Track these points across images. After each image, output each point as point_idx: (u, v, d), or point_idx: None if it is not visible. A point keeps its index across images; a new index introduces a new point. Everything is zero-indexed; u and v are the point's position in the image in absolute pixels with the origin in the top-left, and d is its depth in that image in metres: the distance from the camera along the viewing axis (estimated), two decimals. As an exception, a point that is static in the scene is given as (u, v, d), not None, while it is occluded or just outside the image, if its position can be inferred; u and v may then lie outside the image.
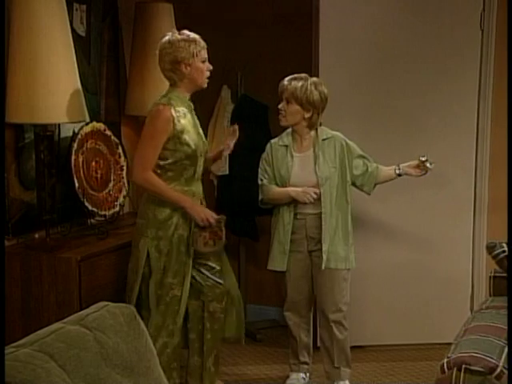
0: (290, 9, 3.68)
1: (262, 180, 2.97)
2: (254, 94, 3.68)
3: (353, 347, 3.22)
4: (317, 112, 2.86)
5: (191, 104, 2.72)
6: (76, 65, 2.73)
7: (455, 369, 1.84)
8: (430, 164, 2.79)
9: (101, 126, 3.23)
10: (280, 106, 2.88)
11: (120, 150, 3.35)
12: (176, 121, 2.60)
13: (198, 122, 2.77)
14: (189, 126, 2.66)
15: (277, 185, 2.92)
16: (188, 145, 2.64)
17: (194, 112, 2.75)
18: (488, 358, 1.85)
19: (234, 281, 2.89)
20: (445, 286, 3.51)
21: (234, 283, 2.89)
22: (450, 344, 2.07)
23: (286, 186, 2.88)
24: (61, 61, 2.65)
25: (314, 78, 2.89)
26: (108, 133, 3.27)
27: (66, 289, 2.72)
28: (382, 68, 3.38)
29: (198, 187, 2.76)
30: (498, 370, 1.82)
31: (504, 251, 2.30)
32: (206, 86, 2.70)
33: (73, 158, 3.03)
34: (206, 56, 2.66)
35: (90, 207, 3.09)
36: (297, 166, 2.88)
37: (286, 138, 2.94)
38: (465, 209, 3.49)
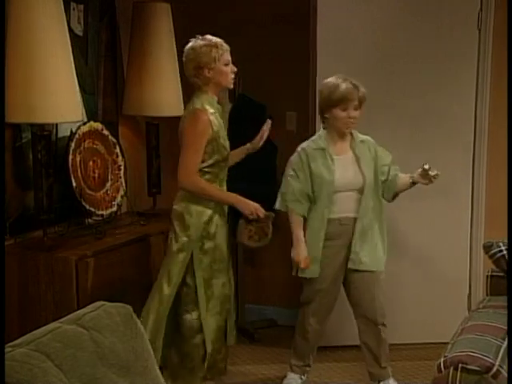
0: (288, 8, 3.68)
1: (288, 187, 2.88)
2: (251, 93, 3.68)
3: (351, 346, 3.23)
4: None
5: (219, 107, 2.78)
6: (73, 64, 2.73)
7: (452, 368, 1.85)
8: (433, 172, 2.70)
9: (98, 125, 3.23)
10: (354, 114, 2.79)
11: (117, 150, 3.35)
12: (213, 124, 2.66)
13: (224, 125, 2.81)
14: (221, 129, 2.72)
15: (312, 189, 2.83)
16: (224, 147, 2.72)
17: (222, 115, 2.80)
18: (484, 357, 1.85)
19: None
20: (442, 286, 3.51)
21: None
22: (447, 343, 2.07)
23: (327, 190, 2.80)
24: (58, 60, 2.64)
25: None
26: (105, 132, 3.27)
27: (63, 288, 2.72)
28: (379, 68, 3.38)
29: (225, 187, 2.84)
30: (495, 369, 1.82)
31: (501, 250, 2.30)
32: (231, 86, 2.78)
33: (70, 157, 3.02)
34: (229, 58, 2.71)
35: (87, 207, 3.09)
36: (339, 169, 2.82)
37: (319, 140, 2.87)
38: (462, 208, 3.49)
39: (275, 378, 3.23)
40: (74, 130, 3.08)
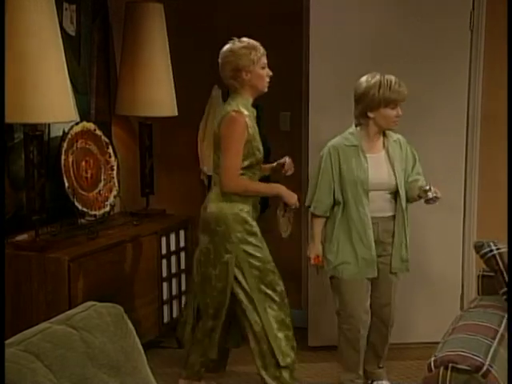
0: (282, 8, 3.68)
1: (313, 185, 2.85)
2: (244, 93, 3.68)
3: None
4: None
5: (254, 110, 2.78)
6: (65, 64, 2.73)
7: (442, 367, 1.85)
8: (432, 193, 2.63)
9: (91, 125, 3.23)
10: (400, 114, 2.76)
11: (110, 150, 3.35)
12: (249, 126, 2.67)
13: (257, 128, 2.80)
14: (256, 132, 2.73)
15: (343, 188, 2.77)
16: (259, 150, 2.73)
17: (255, 118, 2.79)
18: (474, 357, 1.86)
19: None
20: (435, 286, 3.52)
21: None
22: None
23: (361, 188, 2.74)
24: (50, 61, 2.65)
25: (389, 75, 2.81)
26: (98, 133, 3.27)
27: (55, 289, 2.72)
28: (372, 68, 3.35)
29: None
30: (485, 368, 1.83)
31: (491, 250, 2.31)
32: (266, 90, 2.77)
33: (63, 157, 3.02)
34: (266, 62, 2.72)
35: (80, 207, 3.09)
36: (372, 168, 2.76)
37: (352, 137, 2.81)
38: (455, 209, 3.50)
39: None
40: (66, 130, 3.08)
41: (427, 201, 2.66)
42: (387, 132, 2.83)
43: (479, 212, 3.50)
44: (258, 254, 2.72)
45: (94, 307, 1.73)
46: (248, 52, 2.66)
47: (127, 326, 1.75)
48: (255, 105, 3.68)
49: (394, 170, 2.77)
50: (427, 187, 2.63)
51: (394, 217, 2.80)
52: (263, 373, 2.76)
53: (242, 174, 2.70)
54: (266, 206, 3.72)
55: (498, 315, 2.22)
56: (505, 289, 2.27)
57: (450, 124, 3.43)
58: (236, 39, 2.72)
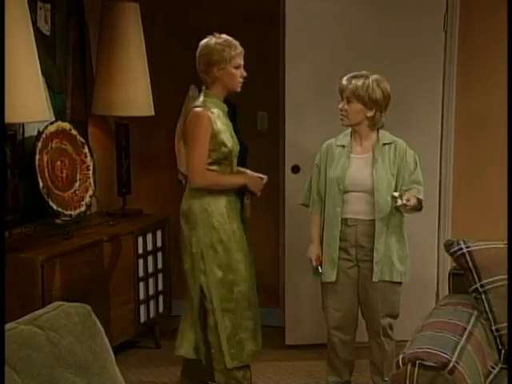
0: (258, 8, 3.69)
1: (308, 184, 2.83)
2: (221, 93, 3.69)
3: (320, 345, 3.24)
4: (379, 110, 2.71)
5: (225, 106, 2.77)
6: (38, 64, 2.71)
7: (410, 364, 1.87)
8: (401, 201, 2.56)
9: (66, 125, 3.21)
10: (340, 106, 2.71)
11: (86, 150, 3.33)
12: (213, 121, 2.66)
13: (230, 124, 2.80)
14: (224, 127, 2.71)
15: (324, 187, 2.75)
16: (225, 145, 2.70)
17: (227, 114, 2.79)
18: (441, 354, 1.88)
19: None
20: (411, 284, 3.53)
21: None
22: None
23: (337, 187, 2.70)
24: (23, 60, 2.62)
25: (376, 75, 2.73)
26: (74, 132, 3.25)
27: (28, 290, 2.70)
28: (348, 68, 3.38)
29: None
30: (451, 365, 1.85)
31: (461, 249, 2.33)
32: (239, 89, 2.76)
33: (37, 157, 3.01)
34: (241, 62, 2.71)
35: (54, 207, 3.07)
36: (352, 168, 2.72)
37: (343, 138, 2.79)
38: (430, 207, 3.52)
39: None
40: (41, 130, 3.06)
41: (396, 208, 2.62)
42: (381, 135, 2.75)
43: (454, 211, 3.54)
44: (221, 251, 2.70)
45: (62, 307, 1.73)
46: (222, 48, 2.65)
47: (95, 326, 1.74)
48: (231, 104, 3.71)
49: (373, 173, 2.69)
50: (396, 194, 2.59)
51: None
52: (215, 364, 2.76)
53: (211, 170, 2.70)
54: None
55: (466, 313, 2.25)
56: (474, 286, 2.30)
57: (424, 123, 3.46)
58: (217, 34, 2.70)
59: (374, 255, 2.67)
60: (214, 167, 2.71)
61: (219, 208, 2.70)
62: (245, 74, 2.73)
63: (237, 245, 2.73)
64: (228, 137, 2.72)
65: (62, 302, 1.76)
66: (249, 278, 2.77)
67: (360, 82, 2.70)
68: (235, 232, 2.74)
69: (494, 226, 3.40)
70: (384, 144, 2.73)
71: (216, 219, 2.69)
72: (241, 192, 2.87)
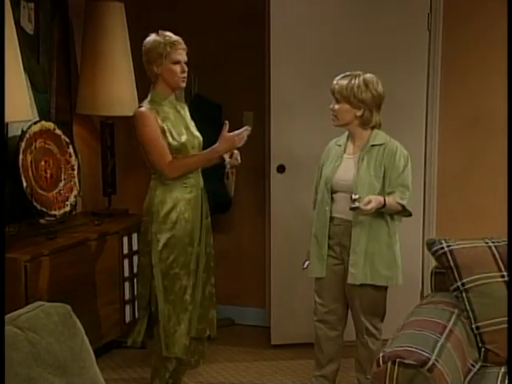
0: (243, 8, 3.69)
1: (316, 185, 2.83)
2: (207, 93, 3.69)
3: (305, 344, 3.25)
4: (369, 109, 2.68)
5: (173, 101, 2.76)
6: (21, 63, 2.70)
7: (390, 362, 1.88)
8: (353, 204, 2.54)
9: (50, 125, 3.20)
10: (331, 107, 2.74)
11: (71, 150, 3.32)
12: (158, 118, 2.66)
13: (187, 116, 2.80)
14: (173, 122, 2.70)
15: (318, 185, 2.78)
16: (174, 138, 2.69)
17: (180, 107, 2.78)
18: (421, 352, 1.89)
19: None
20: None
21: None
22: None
23: (325, 186, 2.72)
24: (5, 59, 2.61)
25: (368, 75, 2.71)
26: (58, 132, 3.24)
27: (12, 290, 2.68)
28: (332, 67, 3.38)
29: (196, 179, 2.79)
30: (430, 362, 1.86)
31: (442, 248, 2.34)
32: (182, 85, 2.74)
33: (20, 157, 3.00)
34: (180, 58, 2.68)
35: (38, 207, 3.07)
36: (341, 168, 2.73)
37: (343, 138, 2.80)
38: (415, 207, 3.51)
39: (229, 376, 3.24)
40: (24, 130, 3.05)
41: (350, 209, 2.59)
42: (374, 135, 2.72)
43: (438, 210, 3.56)
44: (165, 241, 2.69)
45: (42, 307, 1.72)
46: (157, 45, 2.64)
47: (76, 326, 1.74)
48: (216, 105, 3.71)
49: (356, 173, 2.69)
50: (354, 196, 2.56)
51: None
52: (154, 347, 2.79)
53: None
54: (228, 205, 3.74)
55: (447, 311, 2.27)
56: (455, 285, 2.32)
57: (409, 123, 3.47)
58: (160, 32, 2.68)
59: (350, 257, 2.67)
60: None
61: (174, 204, 2.70)
62: (186, 69, 2.70)
63: (189, 240, 2.73)
64: (180, 130, 2.72)
65: (42, 302, 1.76)
66: (194, 274, 2.76)
67: (345, 82, 2.70)
68: (191, 227, 2.74)
69: (478, 225, 3.43)
70: (373, 145, 2.71)
71: (170, 216, 2.69)
72: (208, 183, 2.87)
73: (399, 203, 2.65)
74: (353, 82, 2.69)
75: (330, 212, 2.72)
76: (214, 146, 2.73)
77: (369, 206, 2.54)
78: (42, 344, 1.61)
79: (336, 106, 2.72)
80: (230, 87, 3.75)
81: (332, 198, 2.73)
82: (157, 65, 2.66)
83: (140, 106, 2.72)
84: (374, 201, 2.55)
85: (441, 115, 3.49)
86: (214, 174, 3.64)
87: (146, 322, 2.80)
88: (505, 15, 3.24)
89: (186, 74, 2.71)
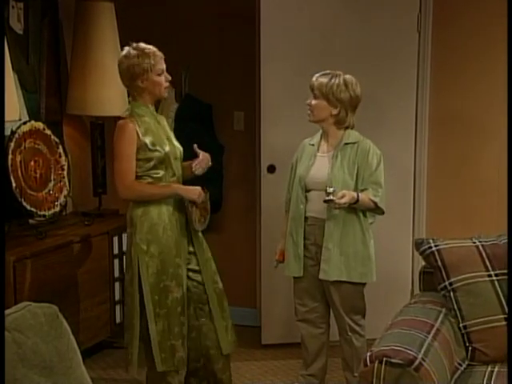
0: (234, 8, 3.69)
1: (287, 186, 2.85)
2: (197, 93, 3.69)
3: (296, 344, 3.26)
4: (345, 109, 2.71)
5: (154, 113, 2.74)
6: (10, 63, 2.69)
7: (377, 362, 1.89)
8: (328, 197, 2.56)
9: (40, 125, 3.19)
10: (307, 102, 2.75)
11: (61, 150, 3.32)
12: (139, 131, 2.62)
13: (167, 128, 2.77)
14: (154, 134, 2.67)
15: (292, 185, 2.80)
16: (157, 150, 2.65)
17: (160, 118, 2.76)
18: (407, 351, 1.90)
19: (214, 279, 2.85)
20: (386, 282, 3.57)
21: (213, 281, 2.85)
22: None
23: (299, 185, 2.74)
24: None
25: (347, 76, 2.74)
26: (48, 132, 3.24)
27: (0, 290, 2.68)
28: (322, 67, 3.41)
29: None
30: (417, 362, 1.87)
31: (430, 247, 2.35)
32: (165, 95, 2.75)
33: (10, 157, 2.99)
34: (163, 67, 2.67)
35: (28, 207, 3.06)
36: (315, 167, 2.75)
37: (316, 136, 2.82)
38: (405, 206, 3.56)
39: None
40: (14, 130, 3.04)
41: (324, 201, 2.60)
42: (347, 134, 2.75)
43: (428, 210, 3.57)
44: (157, 256, 2.64)
45: (29, 307, 1.72)
46: (141, 61, 2.60)
47: (62, 326, 1.74)
48: (206, 105, 3.72)
49: (329, 171, 2.71)
50: (329, 189, 2.58)
51: None
52: (147, 370, 2.74)
53: (149, 176, 2.64)
54: (219, 206, 3.74)
55: (435, 310, 2.28)
56: (442, 284, 2.33)
57: (398, 123, 3.49)
58: (132, 45, 2.65)
59: (323, 253, 2.68)
60: (152, 173, 2.64)
61: (159, 215, 2.65)
62: (169, 77, 2.70)
63: (176, 251, 2.68)
64: (162, 141, 2.67)
65: (29, 303, 1.75)
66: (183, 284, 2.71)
67: (326, 80, 2.73)
68: (175, 238, 2.68)
69: (468, 225, 3.44)
70: (346, 144, 2.74)
71: (155, 226, 2.64)
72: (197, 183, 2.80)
73: (372, 200, 2.68)
74: (333, 80, 2.72)
75: (305, 212, 2.73)
76: (178, 187, 2.67)
77: (342, 200, 2.57)
78: (27, 344, 1.61)
79: (313, 102, 2.74)
80: (221, 87, 3.75)
81: (306, 197, 2.75)
82: (142, 80, 2.62)
83: (120, 119, 2.66)
84: (348, 195, 2.59)
85: (430, 116, 3.50)
86: (203, 174, 3.67)
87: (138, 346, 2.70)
88: (495, 16, 3.26)
89: (169, 83, 2.70)
